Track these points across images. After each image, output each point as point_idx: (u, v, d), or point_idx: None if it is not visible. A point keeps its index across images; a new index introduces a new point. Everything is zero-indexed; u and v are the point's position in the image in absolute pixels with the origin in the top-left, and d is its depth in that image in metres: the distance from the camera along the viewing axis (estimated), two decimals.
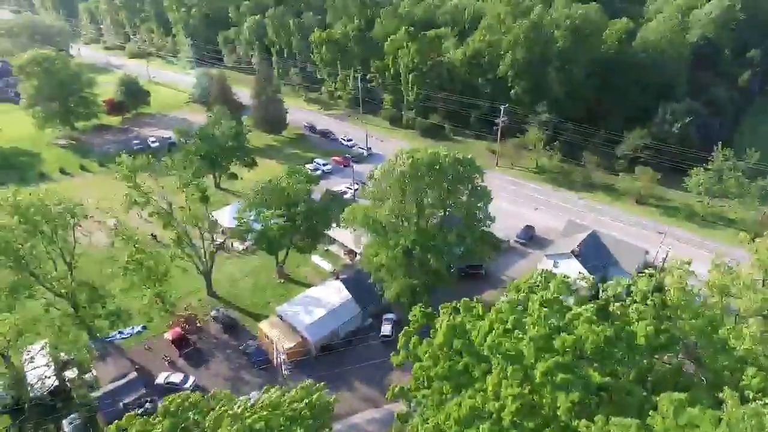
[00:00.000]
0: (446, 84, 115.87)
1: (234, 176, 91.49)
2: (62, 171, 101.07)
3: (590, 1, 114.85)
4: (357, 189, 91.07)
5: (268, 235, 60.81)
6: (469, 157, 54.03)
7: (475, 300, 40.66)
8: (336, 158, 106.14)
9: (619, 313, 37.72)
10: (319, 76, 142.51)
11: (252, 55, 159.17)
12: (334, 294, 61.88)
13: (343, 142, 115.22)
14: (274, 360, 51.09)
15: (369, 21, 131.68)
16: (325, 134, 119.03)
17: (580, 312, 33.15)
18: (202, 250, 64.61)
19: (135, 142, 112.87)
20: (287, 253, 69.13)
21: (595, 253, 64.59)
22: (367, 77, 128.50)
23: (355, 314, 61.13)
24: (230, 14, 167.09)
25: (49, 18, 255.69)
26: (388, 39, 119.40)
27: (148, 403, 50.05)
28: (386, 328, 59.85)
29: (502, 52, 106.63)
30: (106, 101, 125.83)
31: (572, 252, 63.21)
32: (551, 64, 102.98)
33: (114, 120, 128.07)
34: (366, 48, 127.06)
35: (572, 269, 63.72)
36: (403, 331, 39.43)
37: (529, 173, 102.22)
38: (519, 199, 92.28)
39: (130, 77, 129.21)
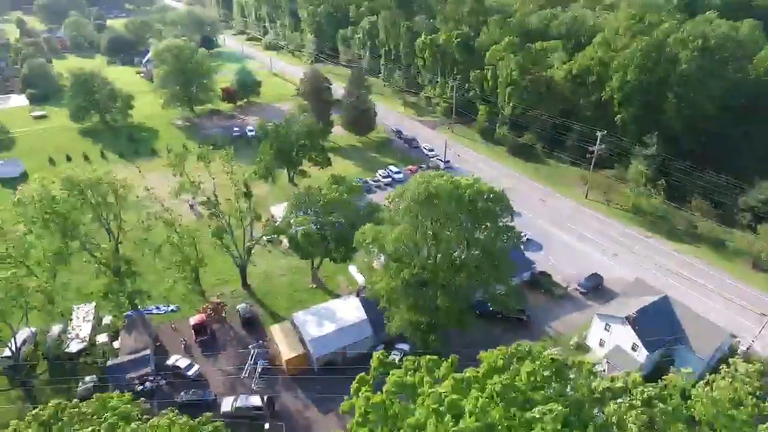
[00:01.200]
0: (545, 101, 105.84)
1: (303, 173, 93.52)
2: (168, 149, 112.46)
3: (747, 16, 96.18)
4: None
5: (295, 241, 60.64)
6: (499, 189, 47.64)
7: (449, 358, 35.56)
8: (411, 167, 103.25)
9: (614, 420, 29.91)
10: (420, 82, 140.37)
11: (362, 55, 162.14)
12: (350, 311, 59.68)
13: (425, 150, 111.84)
14: (245, 371, 50.22)
15: (476, 28, 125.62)
16: (410, 141, 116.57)
17: (538, 415, 26.68)
18: (241, 244, 66.75)
19: (235, 129, 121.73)
20: (321, 260, 68.49)
21: (658, 325, 53.44)
22: (465, 86, 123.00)
23: (366, 336, 58.30)
24: (351, 13, 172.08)
25: (211, 11, 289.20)
26: (491, 48, 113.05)
27: (148, 382, 52.98)
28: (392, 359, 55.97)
29: (611, 72, 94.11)
30: (223, 89, 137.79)
31: (626, 318, 53.01)
32: (671, 89, 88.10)
33: (227, 107, 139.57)
34: (468, 56, 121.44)
35: (625, 338, 53.99)
36: (358, 377, 35.89)
37: (621, 211, 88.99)
38: (599, 239, 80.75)
39: (245, 68, 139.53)
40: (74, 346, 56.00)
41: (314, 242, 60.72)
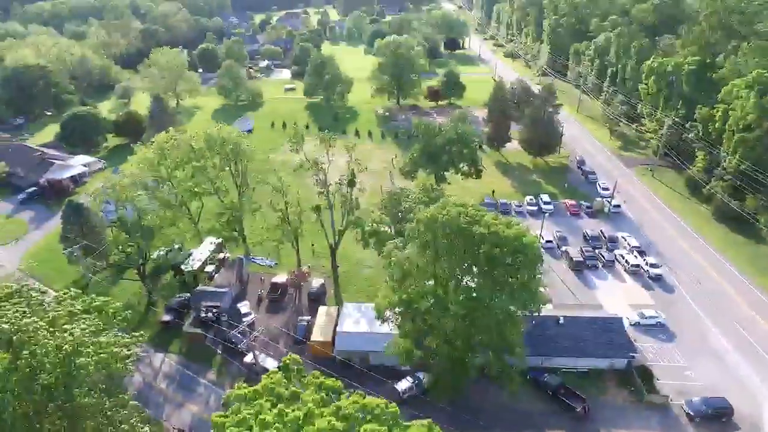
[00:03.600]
0: None
1: (443, 179, 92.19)
2: (356, 133, 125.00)
3: None
4: (548, 241, 77.81)
5: (364, 235, 61.80)
6: (530, 241, 38.60)
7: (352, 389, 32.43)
8: (569, 202, 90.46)
9: None
10: (639, 112, 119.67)
11: (588, 73, 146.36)
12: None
13: (599, 187, 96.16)
14: (236, 330, 54.01)
15: (728, 54, 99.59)
16: (587, 174, 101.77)
17: None
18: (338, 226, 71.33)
19: None
20: None
21: None
22: (686, 125, 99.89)
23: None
24: (591, 27, 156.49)
25: (475, 14, 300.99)
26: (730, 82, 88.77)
27: (211, 313, 62.62)
28: (403, 384, 52.54)
29: None
30: (428, 87, 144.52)
31: None
32: None
33: (427, 104, 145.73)
34: (700, 89, 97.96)
35: None
36: (271, 370, 35.64)
37: None
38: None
39: (452, 72, 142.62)
40: (185, 266, 70.02)
41: (380, 242, 60.69)
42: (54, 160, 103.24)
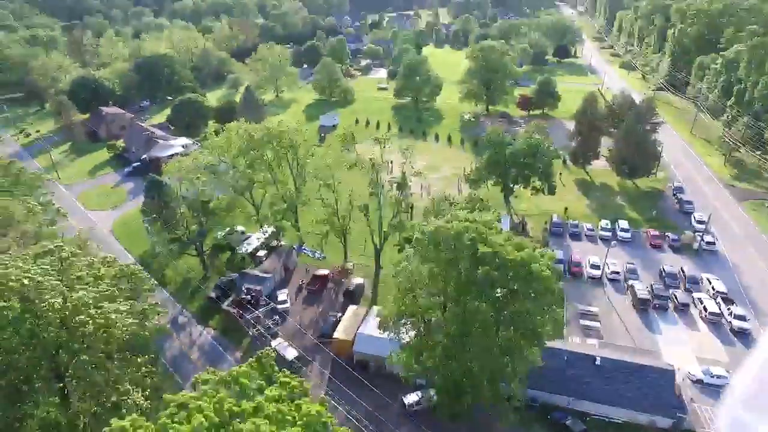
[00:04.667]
0: None
1: (511, 192, 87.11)
2: (436, 136, 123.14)
3: None
4: (614, 272, 70.18)
5: (400, 239, 60.49)
6: (537, 266, 34.14)
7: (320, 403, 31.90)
8: (651, 232, 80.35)
9: None
10: (766, 137, 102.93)
11: (710, 90, 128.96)
12: None
13: (693, 220, 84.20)
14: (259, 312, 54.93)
15: None
16: (683, 203, 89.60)
17: None
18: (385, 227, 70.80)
19: None
20: None
21: None
22: None
23: None
24: (724, 38, 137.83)
25: (597, 21, 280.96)
26: None
27: (250, 296, 65.59)
28: (411, 398, 50.54)
29: None
30: (521, 95, 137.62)
31: None
32: None
33: (518, 113, 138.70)
34: None
35: None
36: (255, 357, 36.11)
37: None
38: None
39: (547, 80, 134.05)
40: (239, 249, 74.20)
41: None
42: (158, 140, 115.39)
